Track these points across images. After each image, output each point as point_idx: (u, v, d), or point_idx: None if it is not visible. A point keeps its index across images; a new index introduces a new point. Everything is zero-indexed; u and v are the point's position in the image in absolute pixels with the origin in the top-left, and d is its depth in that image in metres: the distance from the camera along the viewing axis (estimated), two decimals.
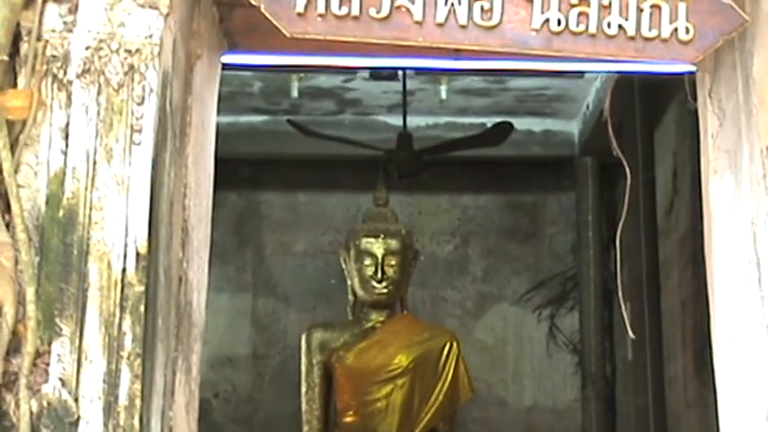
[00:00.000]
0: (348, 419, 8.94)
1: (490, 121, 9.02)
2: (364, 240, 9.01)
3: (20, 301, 3.12)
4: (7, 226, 3.15)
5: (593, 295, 9.39)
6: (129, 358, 3.16)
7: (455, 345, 9.08)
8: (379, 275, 8.98)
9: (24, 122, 3.26)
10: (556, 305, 9.76)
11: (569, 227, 9.79)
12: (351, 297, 9.19)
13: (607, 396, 9.21)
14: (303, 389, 9.08)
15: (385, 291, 9.03)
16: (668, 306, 7.99)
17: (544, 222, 9.93)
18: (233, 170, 8.91)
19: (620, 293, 7.50)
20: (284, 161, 9.70)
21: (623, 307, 7.44)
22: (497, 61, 4.66)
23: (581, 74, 8.31)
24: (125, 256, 3.20)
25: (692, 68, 4.05)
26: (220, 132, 4.17)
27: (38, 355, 3.13)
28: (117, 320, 3.17)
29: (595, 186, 9.58)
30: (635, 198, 7.96)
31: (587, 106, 9.24)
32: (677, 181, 7.95)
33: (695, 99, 4.09)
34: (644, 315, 8.03)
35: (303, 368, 9.10)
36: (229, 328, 9.75)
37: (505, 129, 8.75)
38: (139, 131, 3.27)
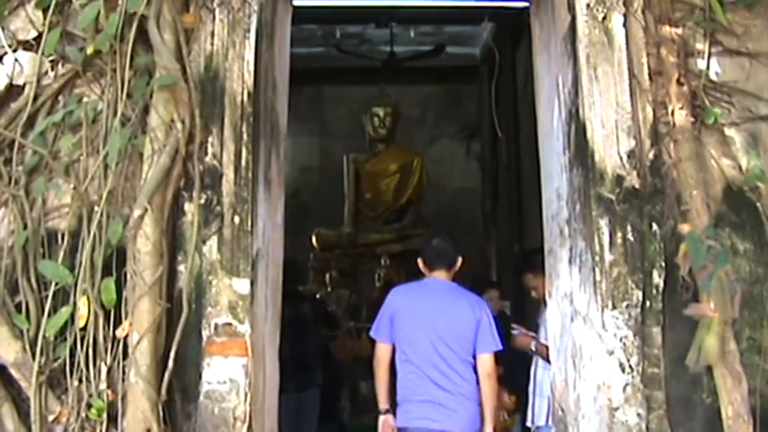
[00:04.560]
0: (368, 195, 9.07)
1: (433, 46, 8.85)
2: (373, 109, 9.09)
3: (192, 117, 3.12)
4: (186, 81, 3.13)
5: (486, 132, 9.08)
6: (246, 147, 3.14)
7: (420, 159, 9.19)
8: (382, 126, 9.07)
9: (192, 29, 3.22)
10: (470, 138, 9.69)
11: (477, 99, 9.62)
12: (368, 137, 9.22)
13: (493, 181, 9.09)
14: (345, 182, 9.17)
15: (384, 133, 9.13)
16: (524, 133, 7.88)
17: (464, 98, 9.79)
18: (301, 82, 8.66)
19: (498, 130, 7.54)
20: (332, 71, 9.48)
21: (500, 134, 7.49)
22: None
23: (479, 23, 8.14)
24: (249, 95, 3.17)
25: (526, 4, 3.93)
26: (296, 61, 3.74)
27: (201, 143, 3.14)
28: (239, 126, 3.18)
29: (488, 80, 9.27)
30: (506, 85, 7.90)
31: (483, 40, 9.00)
32: (527, 79, 7.79)
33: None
34: (511, 139, 8.02)
35: (345, 172, 9.19)
36: (306, 154, 9.72)
37: (440, 49, 8.71)
38: (247, 30, 3.22)
